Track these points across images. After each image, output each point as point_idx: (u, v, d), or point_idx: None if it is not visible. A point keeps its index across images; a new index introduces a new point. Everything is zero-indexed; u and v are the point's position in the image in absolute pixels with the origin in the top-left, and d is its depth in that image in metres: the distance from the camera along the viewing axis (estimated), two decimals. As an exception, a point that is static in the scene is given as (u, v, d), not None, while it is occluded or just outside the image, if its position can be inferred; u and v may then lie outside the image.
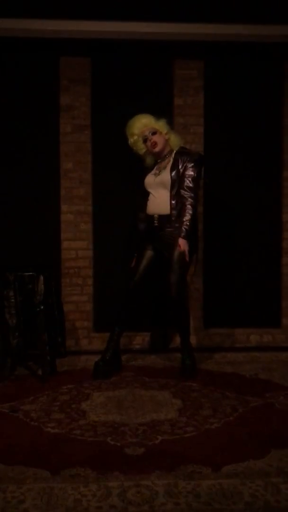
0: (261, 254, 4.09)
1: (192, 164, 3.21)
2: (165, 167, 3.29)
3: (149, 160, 3.42)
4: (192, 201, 3.18)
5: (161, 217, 3.25)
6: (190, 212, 3.16)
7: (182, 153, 3.29)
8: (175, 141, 3.35)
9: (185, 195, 3.19)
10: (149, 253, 3.34)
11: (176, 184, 3.21)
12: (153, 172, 3.36)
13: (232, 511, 1.75)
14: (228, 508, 1.76)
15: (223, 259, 4.05)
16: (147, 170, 3.41)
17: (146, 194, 3.37)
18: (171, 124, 3.98)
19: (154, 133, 3.28)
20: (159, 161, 3.36)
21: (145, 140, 3.30)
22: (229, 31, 3.71)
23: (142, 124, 3.29)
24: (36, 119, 3.94)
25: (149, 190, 3.34)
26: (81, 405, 2.75)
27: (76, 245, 3.99)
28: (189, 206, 3.17)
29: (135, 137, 3.31)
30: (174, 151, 3.32)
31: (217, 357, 3.72)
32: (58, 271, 3.91)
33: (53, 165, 3.96)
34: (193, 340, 3.72)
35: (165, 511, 1.75)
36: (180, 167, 3.22)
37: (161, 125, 3.32)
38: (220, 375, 3.29)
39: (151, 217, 3.31)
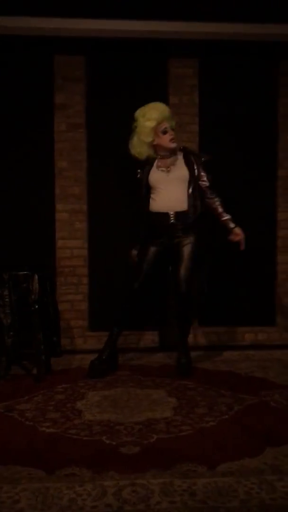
0: (256, 253, 4.09)
1: (203, 165, 3.30)
2: (173, 164, 3.27)
3: (144, 152, 3.30)
4: (218, 197, 3.31)
5: (178, 213, 3.22)
6: (224, 208, 3.29)
7: (191, 153, 3.34)
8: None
9: (212, 195, 3.29)
10: (154, 253, 3.28)
11: (193, 182, 3.23)
12: (157, 168, 3.28)
13: (227, 509, 1.75)
14: (223, 506, 1.76)
15: (218, 258, 4.04)
16: (145, 168, 3.32)
17: (148, 193, 3.29)
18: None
19: (172, 129, 3.28)
20: (159, 157, 3.30)
21: (164, 132, 3.23)
22: (224, 30, 3.71)
23: (167, 114, 3.25)
24: (31, 117, 3.93)
25: (159, 186, 3.25)
26: (76, 404, 2.75)
27: (71, 244, 3.98)
28: (221, 203, 3.30)
29: (154, 123, 3.21)
30: (178, 150, 3.32)
31: (212, 355, 3.72)
32: (53, 270, 3.90)
33: (47, 163, 3.94)
34: (189, 338, 3.72)
35: (161, 510, 1.75)
36: (194, 166, 3.26)
37: (173, 124, 3.35)
38: (216, 374, 3.30)
39: (164, 214, 3.23)
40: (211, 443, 2.25)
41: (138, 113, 3.26)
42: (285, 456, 2.11)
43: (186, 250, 3.24)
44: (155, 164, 3.31)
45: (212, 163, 3.95)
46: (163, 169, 3.27)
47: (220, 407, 2.69)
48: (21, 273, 3.27)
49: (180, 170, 3.26)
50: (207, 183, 3.29)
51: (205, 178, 3.28)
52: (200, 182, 3.28)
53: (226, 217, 3.29)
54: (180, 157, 3.31)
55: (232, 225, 3.29)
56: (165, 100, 3.96)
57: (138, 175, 3.35)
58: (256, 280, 4.10)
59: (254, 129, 4.06)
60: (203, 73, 4.00)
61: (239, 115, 4.05)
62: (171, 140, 3.25)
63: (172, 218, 3.22)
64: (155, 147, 3.30)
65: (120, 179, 3.90)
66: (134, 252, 3.39)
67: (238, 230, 3.29)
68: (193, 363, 3.37)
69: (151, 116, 3.21)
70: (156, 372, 3.33)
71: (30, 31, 3.66)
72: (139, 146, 3.30)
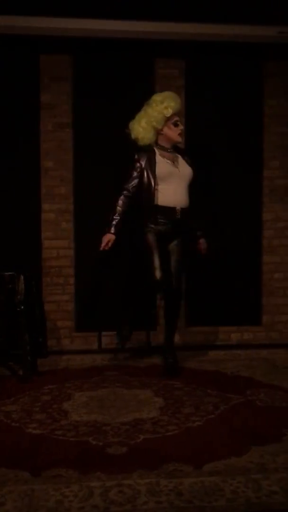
0: (242, 253, 4.12)
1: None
2: (176, 161, 3.25)
3: (148, 138, 3.22)
4: None
5: (183, 210, 3.22)
6: None
7: (186, 154, 3.36)
8: None
9: None
10: (157, 245, 3.19)
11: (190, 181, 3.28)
12: (165, 161, 3.21)
13: (213, 508, 1.76)
14: (209, 505, 1.77)
15: (205, 258, 4.06)
16: (146, 156, 3.19)
17: (150, 187, 3.15)
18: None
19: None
20: (159, 148, 3.25)
21: (175, 124, 3.23)
22: (210, 31, 3.72)
23: (180, 108, 3.28)
24: (17, 117, 3.90)
25: (168, 179, 3.18)
26: (63, 405, 2.74)
27: (57, 244, 3.96)
28: None
29: (170, 112, 3.17)
30: (174, 149, 3.30)
31: (199, 355, 3.74)
32: (39, 271, 3.88)
33: (33, 163, 3.92)
34: (175, 338, 3.73)
35: (147, 510, 1.75)
36: (190, 165, 3.30)
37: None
38: (202, 373, 3.31)
39: (172, 209, 3.19)
40: (198, 443, 2.26)
41: (156, 97, 3.22)
42: (271, 455, 2.13)
43: (179, 246, 3.28)
44: (158, 155, 3.22)
45: (198, 163, 3.98)
46: (169, 162, 3.22)
47: (206, 406, 2.70)
48: (7, 273, 3.25)
49: (186, 168, 3.27)
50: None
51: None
52: None
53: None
54: (177, 155, 3.30)
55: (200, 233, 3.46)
56: (151, 100, 3.98)
57: (138, 162, 3.20)
58: (242, 280, 4.12)
59: (240, 129, 4.08)
60: (189, 73, 4.01)
61: (225, 115, 4.06)
62: (180, 134, 3.27)
63: (178, 214, 3.20)
64: (159, 137, 3.27)
65: (107, 179, 3.89)
66: (113, 237, 3.22)
67: (203, 240, 3.47)
68: (180, 363, 3.38)
69: (169, 104, 3.17)
70: (143, 372, 3.33)
71: (16, 30, 3.63)
72: (146, 132, 3.21)
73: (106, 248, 3.24)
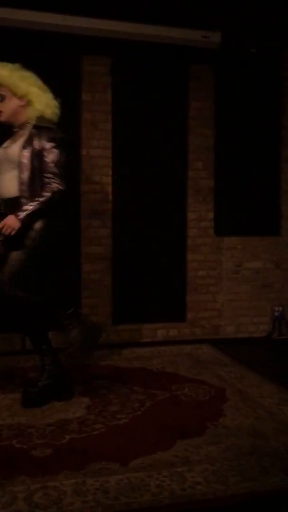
0: (167, 252, 4.20)
1: (53, 145, 2.65)
2: (15, 141, 2.72)
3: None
4: (57, 187, 2.62)
5: (7, 201, 2.67)
6: (47, 196, 2.59)
7: (41, 128, 2.69)
8: (34, 111, 2.74)
9: (51, 181, 2.62)
10: None
11: (30, 164, 2.63)
12: (4, 145, 2.77)
13: (139, 503, 1.78)
14: (135, 501, 1.79)
15: (131, 256, 4.10)
16: None
17: None
18: (79, 119, 3.94)
19: (2, 99, 2.70)
20: (14, 130, 2.78)
21: None
22: (137, 30, 3.75)
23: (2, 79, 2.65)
24: None
25: None
26: (-15, 409, 2.63)
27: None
28: (48, 193, 2.61)
29: None
30: (31, 124, 2.73)
31: (125, 353, 3.76)
32: None
33: None
34: (102, 337, 3.72)
35: (74, 511, 1.73)
36: (36, 145, 2.64)
37: (22, 86, 2.70)
38: (129, 371, 3.33)
39: None
40: (124, 440, 2.28)
41: None
42: (195, 447, 2.19)
43: (10, 245, 2.63)
44: (7, 141, 2.79)
45: (124, 162, 4.01)
46: (6, 145, 2.75)
47: (132, 403, 2.72)
48: None
49: (14, 149, 2.67)
50: (49, 169, 2.64)
51: (51, 165, 2.64)
52: (44, 166, 2.64)
53: (28, 206, 2.59)
54: (25, 134, 2.71)
55: (19, 215, 2.56)
56: (77, 97, 3.93)
57: None
58: (167, 278, 4.21)
59: (166, 129, 4.15)
60: (116, 72, 4.01)
61: (151, 115, 4.11)
62: None
63: (1, 207, 2.68)
64: None
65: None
66: None
67: (11, 220, 2.56)
68: (106, 361, 3.36)
69: None
70: (69, 372, 3.28)
71: None
72: None
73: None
